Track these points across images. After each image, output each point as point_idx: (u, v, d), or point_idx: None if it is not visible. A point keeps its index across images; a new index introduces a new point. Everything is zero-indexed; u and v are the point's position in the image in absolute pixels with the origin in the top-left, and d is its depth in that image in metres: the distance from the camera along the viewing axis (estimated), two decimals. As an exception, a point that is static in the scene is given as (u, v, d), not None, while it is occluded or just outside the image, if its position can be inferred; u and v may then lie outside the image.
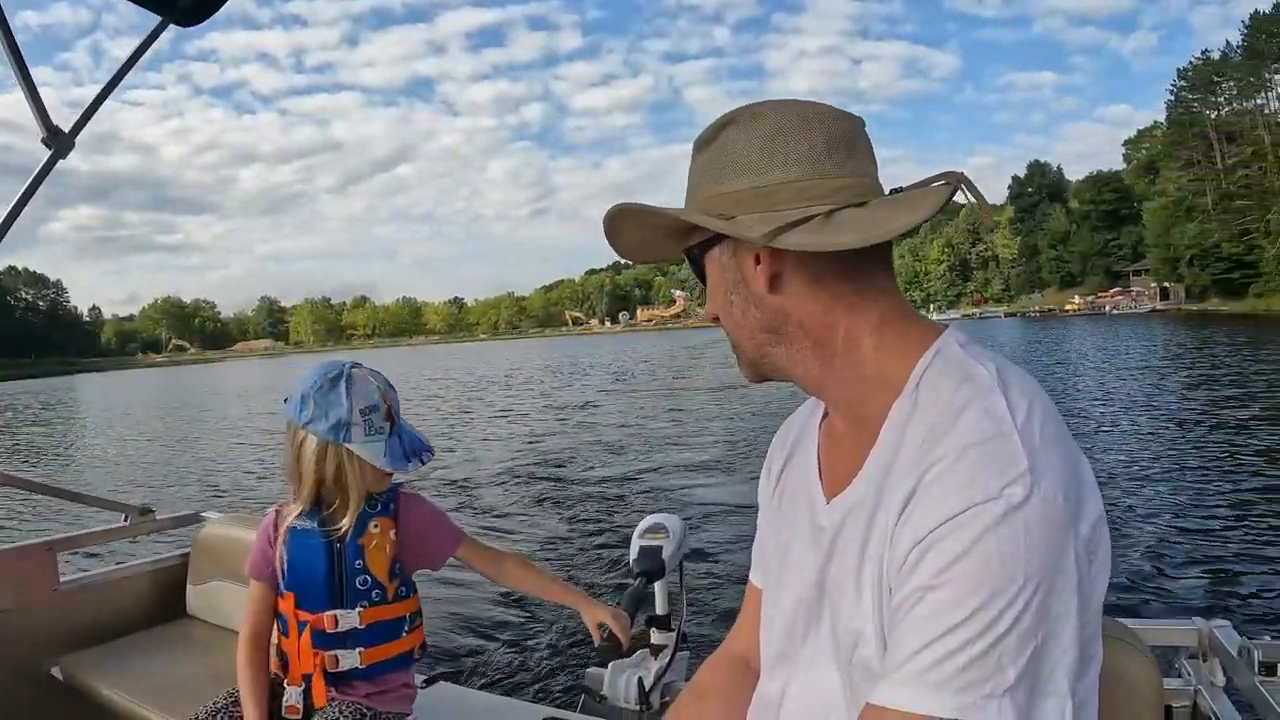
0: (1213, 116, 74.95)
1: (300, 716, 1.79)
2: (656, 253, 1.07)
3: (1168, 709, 1.52)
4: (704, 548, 6.75)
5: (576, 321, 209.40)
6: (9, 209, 2.30)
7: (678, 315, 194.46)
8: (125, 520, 2.93)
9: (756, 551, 1.18)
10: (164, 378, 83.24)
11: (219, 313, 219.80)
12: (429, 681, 2.14)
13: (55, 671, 2.47)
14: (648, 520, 2.13)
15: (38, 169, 2.31)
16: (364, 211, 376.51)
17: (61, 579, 2.65)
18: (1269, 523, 7.02)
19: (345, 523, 1.76)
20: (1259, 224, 66.07)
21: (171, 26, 2.37)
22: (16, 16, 2.16)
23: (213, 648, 2.55)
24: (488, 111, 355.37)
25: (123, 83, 2.49)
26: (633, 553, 2.04)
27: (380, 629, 1.82)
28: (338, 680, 1.81)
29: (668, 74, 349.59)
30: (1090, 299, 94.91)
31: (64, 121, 2.29)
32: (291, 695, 1.80)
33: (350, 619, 1.79)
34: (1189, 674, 1.64)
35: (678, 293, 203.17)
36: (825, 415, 1.05)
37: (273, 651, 1.87)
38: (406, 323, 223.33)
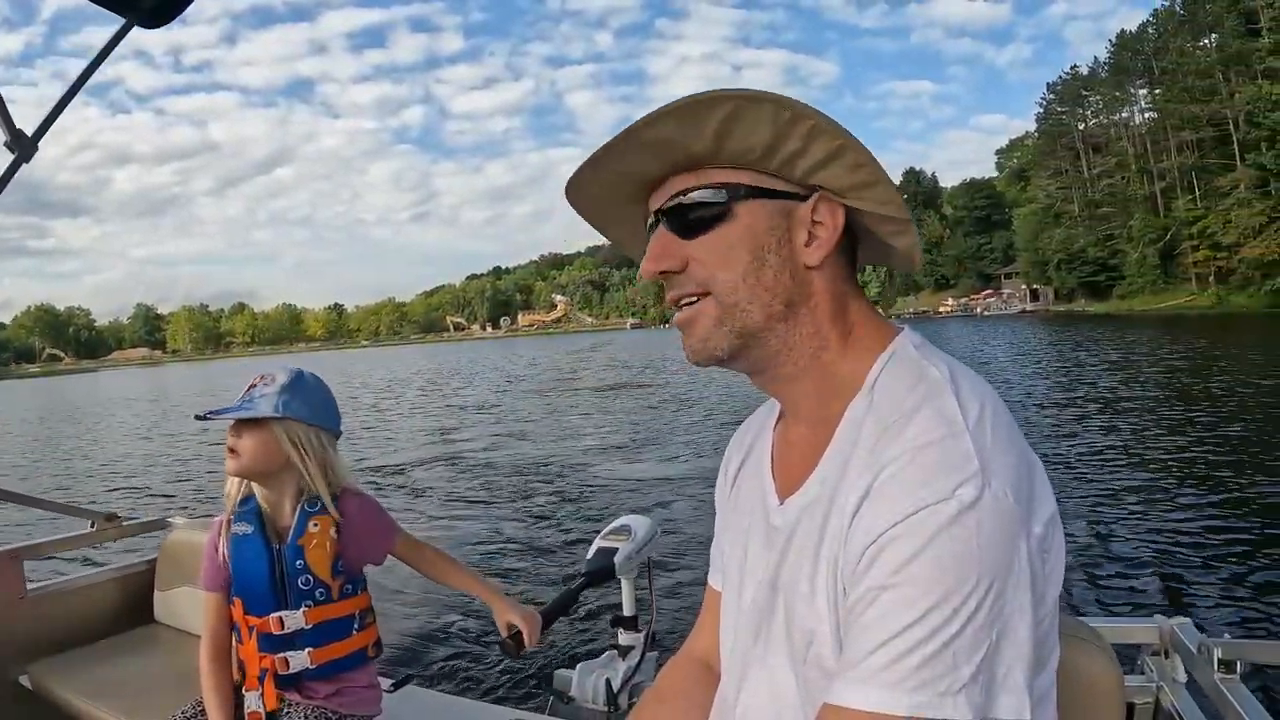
0: (1081, 128, 79.51)
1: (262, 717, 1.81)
2: (619, 206, 0.99)
3: (1130, 706, 1.56)
4: (680, 549, 6.74)
5: (458, 327, 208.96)
6: None
7: (558, 320, 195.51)
8: (91, 526, 2.92)
9: (714, 553, 1.18)
10: (41, 388, 78.18)
11: (94, 320, 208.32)
12: (397, 685, 2.17)
13: (24, 680, 2.48)
14: (617, 521, 2.16)
15: (0, 174, 2.25)
16: (242, 215, 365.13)
17: (28, 586, 2.63)
18: (1229, 520, 7.05)
19: (290, 516, 1.83)
20: (1122, 230, 70.68)
21: (136, 28, 2.29)
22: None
23: (180, 653, 2.54)
24: (369, 114, 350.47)
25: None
26: (590, 551, 2.07)
27: (327, 628, 1.83)
28: (293, 682, 1.82)
29: (550, 78, 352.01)
30: (963, 301, 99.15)
31: (27, 125, 2.22)
32: (251, 701, 1.82)
33: (296, 619, 1.80)
34: (1151, 671, 1.66)
35: (558, 297, 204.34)
36: (780, 418, 1.05)
37: (234, 659, 1.90)
38: (286, 330, 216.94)
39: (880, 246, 0.96)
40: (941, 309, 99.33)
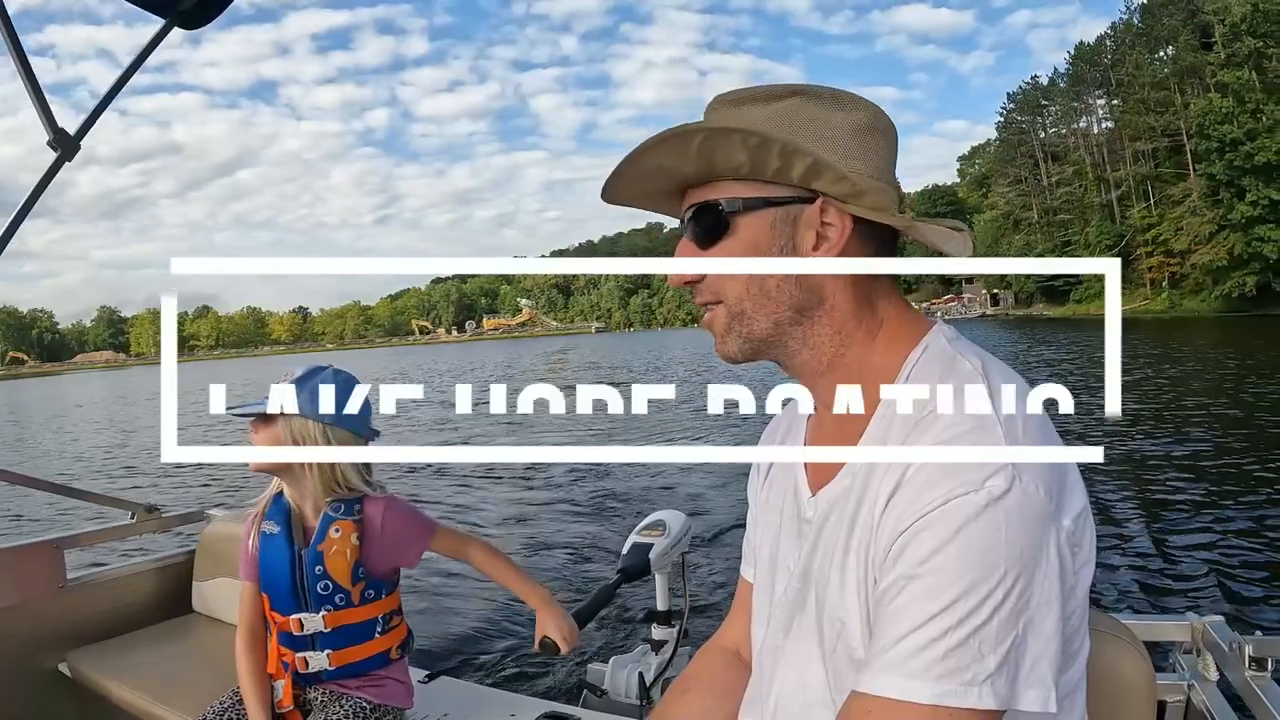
0: (1040, 137, 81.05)
1: (291, 708, 1.84)
2: (651, 199, 1.01)
3: (1161, 704, 1.57)
4: (714, 543, 6.71)
5: (424, 331, 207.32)
6: (15, 212, 2.30)
7: (524, 324, 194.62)
8: (131, 518, 2.93)
9: (747, 546, 1.20)
10: (10, 392, 75.03)
11: (57, 323, 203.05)
12: (431, 676, 2.21)
13: (62, 667, 2.51)
14: (651, 516, 2.16)
15: (44, 172, 2.30)
16: (204, 217, 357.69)
17: (68, 576, 2.66)
18: (1263, 519, 6.96)
19: (314, 518, 1.84)
20: (1079, 236, 72.56)
21: (176, 29, 2.37)
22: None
23: (217, 643, 2.55)
24: (332, 116, 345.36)
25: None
26: (624, 547, 2.07)
27: (347, 632, 1.83)
28: (314, 681, 1.85)
29: (515, 82, 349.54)
30: (925, 305, 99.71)
31: (69, 125, 2.27)
32: (279, 691, 1.85)
33: (315, 622, 1.81)
34: (1182, 669, 1.67)
35: (524, 301, 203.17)
36: (813, 410, 1.06)
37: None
38: (251, 333, 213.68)
39: (928, 247, 1.00)
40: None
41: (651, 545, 2.04)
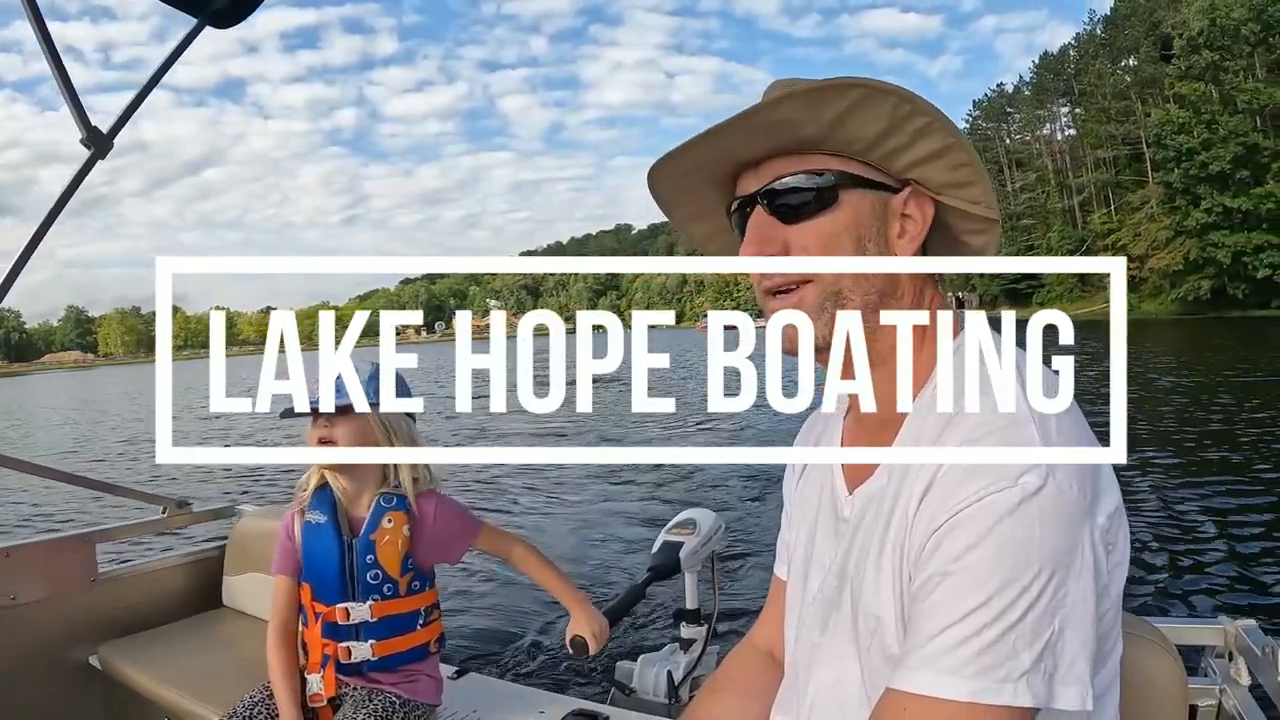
0: (1005, 143, 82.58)
1: (324, 704, 1.84)
2: (699, 186, 0.99)
3: (1192, 708, 1.53)
4: (743, 542, 6.58)
5: (395, 332, 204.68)
6: (49, 209, 2.30)
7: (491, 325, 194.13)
8: (163, 513, 2.94)
9: (781, 545, 1.19)
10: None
11: (24, 323, 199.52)
12: (460, 672, 2.21)
13: (93, 660, 2.52)
14: (682, 515, 2.16)
15: (77, 170, 2.29)
16: (170, 216, 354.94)
17: (100, 570, 2.66)
18: None
19: (366, 508, 1.86)
20: (1042, 240, 74.45)
21: (207, 28, 2.37)
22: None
23: (247, 637, 2.57)
24: (300, 115, 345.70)
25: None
26: (655, 545, 2.07)
27: (392, 623, 1.85)
28: (355, 671, 1.84)
29: (483, 82, 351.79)
30: None
31: (102, 123, 2.26)
32: (313, 683, 1.84)
33: (361, 612, 1.82)
34: (1214, 673, 1.63)
35: (492, 303, 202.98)
36: (849, 409, 1.06)
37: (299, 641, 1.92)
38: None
39: (952, 241, 0.97)
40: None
41: (682, 544, 2.04)
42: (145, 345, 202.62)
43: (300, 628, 1.89)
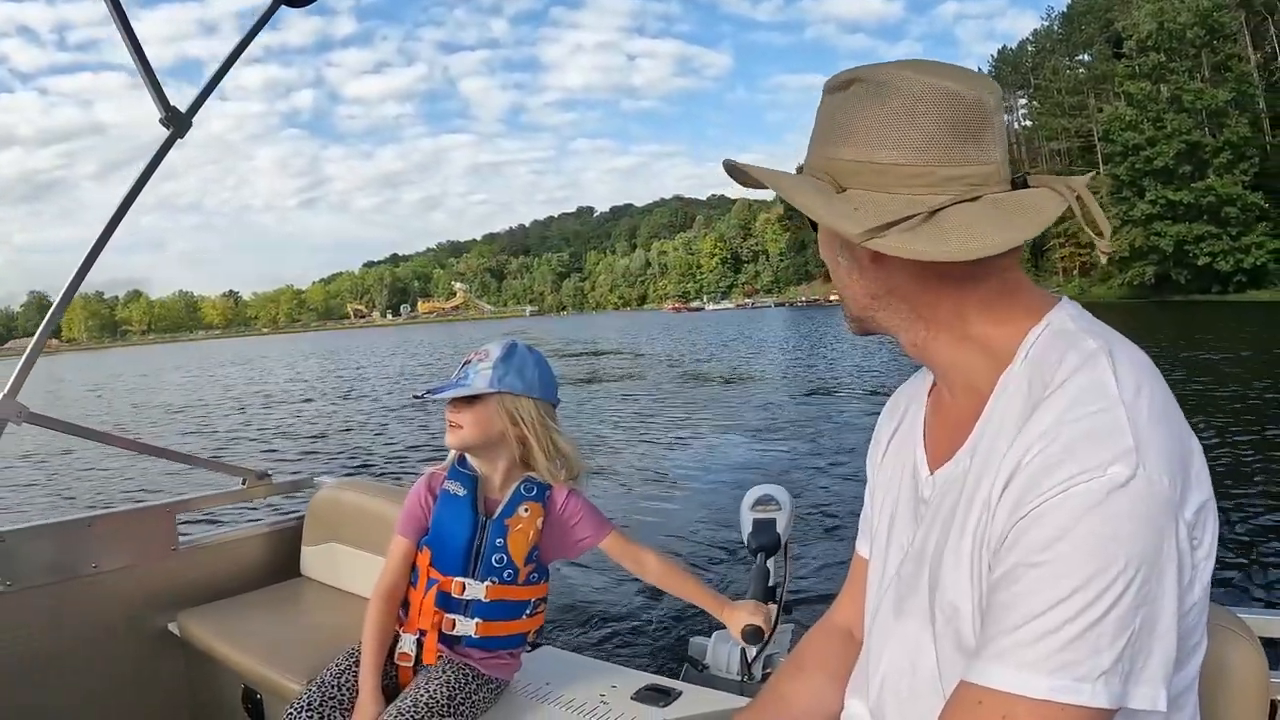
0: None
1: (410, 665, 1.85)
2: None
3: (1273, 704, 1.40)
4: (811, 519, 6.65)
5: (359, 314, 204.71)
6: (129, 188, 2.39)
7: (457, 307, 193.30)
8: (242, 484, 2.95)
9: (864, 520, 1.17)
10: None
11: None
12: (533, 645, 2.15)
13: (172, 627, 2.54)
14: (755, 492, 2.05)
15: (157, 149, 2.38)
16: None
17: (180, 539, 2.69)
18: None
19: (499, 491, 1.87)
20: None
21: (283, 7, 2.47)
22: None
23: (324, 607, 2.63)
24: (257, 97, 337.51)
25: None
26: (745, 527, 1.96)
27: (502, 607, 1.85)
28: (452, 643, 1.84)
29: (442, 64, 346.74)
30: (827, 295, 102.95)
31: (180, 102, 2.37)
32: (405, 643, 1.85)
33: (476, 590, 1.82)
34: None
35: (458, 285, 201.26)
36: (934, 386, 1.03)
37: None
38: (184, 318, 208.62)
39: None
40: (832, 296, 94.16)
41: (774, 520, 1.98)
42: (109, 330, 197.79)
43: (407, 588, 1.88)
